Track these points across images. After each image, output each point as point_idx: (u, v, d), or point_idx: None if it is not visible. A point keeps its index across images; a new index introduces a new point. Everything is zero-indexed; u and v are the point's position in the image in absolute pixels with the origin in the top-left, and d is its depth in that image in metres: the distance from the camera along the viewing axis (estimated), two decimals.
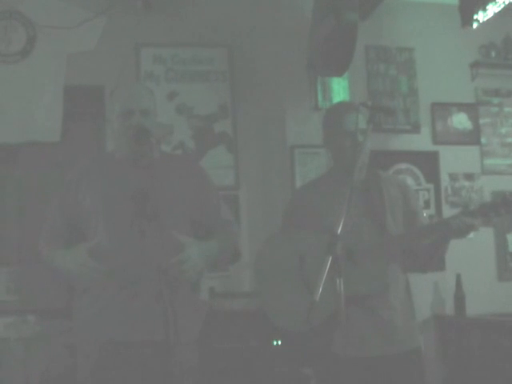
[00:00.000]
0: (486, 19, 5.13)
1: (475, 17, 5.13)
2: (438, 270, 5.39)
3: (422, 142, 5.89)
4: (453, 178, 5.89)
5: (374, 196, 3.42)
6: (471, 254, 5.64)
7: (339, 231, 2.70)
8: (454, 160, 5.91)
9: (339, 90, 5.44)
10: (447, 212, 5.71)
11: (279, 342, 4.63)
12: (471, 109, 6.05)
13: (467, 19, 5.17)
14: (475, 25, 5.17)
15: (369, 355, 3.27)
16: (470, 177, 5.91)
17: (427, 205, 5.80)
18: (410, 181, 5.70)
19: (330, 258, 2.61)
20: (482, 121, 6.06)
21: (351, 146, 3.39)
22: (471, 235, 5.04)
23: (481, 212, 3.19)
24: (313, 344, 3.43)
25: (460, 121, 6.00)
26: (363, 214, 3.36)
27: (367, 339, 3.28)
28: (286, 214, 3.71)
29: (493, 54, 6.06)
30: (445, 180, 5.88)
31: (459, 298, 5.49)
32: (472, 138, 6.02)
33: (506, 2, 5.00)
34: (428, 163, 5.86)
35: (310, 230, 3.39)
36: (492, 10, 5.07)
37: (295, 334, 3.45)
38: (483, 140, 6.04)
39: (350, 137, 3.40)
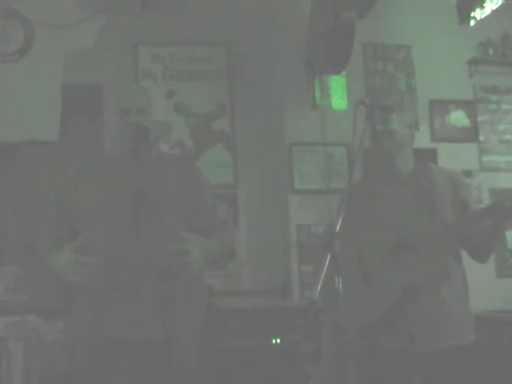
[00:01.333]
0: (483, 16, 5.13)
1: (473, 14, 5.14)
2: None
3: (420, 139, 5.85)
4: None
5: (424, 186, 3.39)
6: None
7: (337, 229, 2.71)
8: (453, 157, 5.91)
9: (337, 87, 5.45)
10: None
11: (278, 341, 4.63)
12: (469, 106, 6.04)
13: (465, 16, 5.17)
14: (473, 22, 5.17)
15: (416, 349, 3.22)
16: (468, 174, 5.90)
17: None
18: None
19: (329, 256, 2.61)
20: (480, 118, 6.05)
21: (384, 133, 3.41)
22: None
23: None
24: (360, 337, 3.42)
25: (458, 118, 6.00)
26: (415, 204, 3.33)
27: (416, 333, 3.22)
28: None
29: (490, 51, 6.06)
30: None
31: None
32: (470, 135, 6.02)
33: None
34: (426, 160, 5.83)
35: (367, 223, 3.38)
36: (489, 7, 5.07)
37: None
38: (481, 137, 6.03)
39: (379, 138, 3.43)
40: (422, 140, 5.88)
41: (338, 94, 5.36)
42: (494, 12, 5.12)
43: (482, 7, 5.08)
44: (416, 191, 3.38)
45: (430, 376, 3.25)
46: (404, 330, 3.20)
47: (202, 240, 3.14)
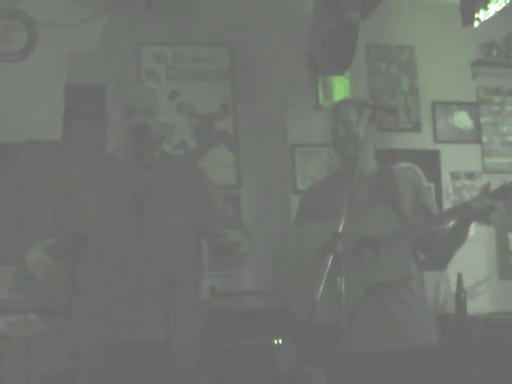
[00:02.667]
0: (487, 18, 5.12)
1: (476, 15, 5.12)
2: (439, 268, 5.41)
3: (423, 140, 5.89)
4: (454, 176, 5.88)
5: (388, 185, 3.40)
6: (472, 252, 5.63)
7: (340, 230, 2.71)
8: (455, 159, 5.91)
9: (340, 88, 5.44)
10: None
11: (280, 341, 4.63)
12: (472, 107, 6.04)
13: (468, 18, 5.16)
14: (476, 23, 5.16)
15: (374, 350, 3.22)
16: (471, 176, 5.91)
17: None
18: None
19: (331, 257, 2.61)
20: (483, 119, 6.05)
21: (346, 138, 3.40)
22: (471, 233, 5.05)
23: (501, 192, 3.20)
24: (323, 340, 3.41)
25: (461, 119, 6.00)
26: (380, 202, 3.33)
27: (373, 333, 3.23)
28: (300, 210, 3.71)
29: (494, 52, 6.06)
30: (446, 179, 5.88)
31: (460, 297, 5.49)
32: (473, 136, 6.01)
33: (508, 1, 4.99)
34: (429, 162, 5.85)
35: (329, 223, 3.37)
36: (493, 8, 5.06)
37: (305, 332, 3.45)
38: (484, 139, 6.03)
39: (343, 127, 3.43)
40: (425, 141, 5.88)
41: (341, 94, 5.35)
42: (497, 13, 5.10)
43: (485, 8, 5.06)
44: (380, 191, 3.39)
45: (392, 377, 3.23)
46: (364, 330, 3.21)
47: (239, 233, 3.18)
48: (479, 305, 5.51)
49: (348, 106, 3.49)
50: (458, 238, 3.36)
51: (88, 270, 3.14)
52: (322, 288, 2.55)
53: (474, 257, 5.67)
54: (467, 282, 5.53)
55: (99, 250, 3.08)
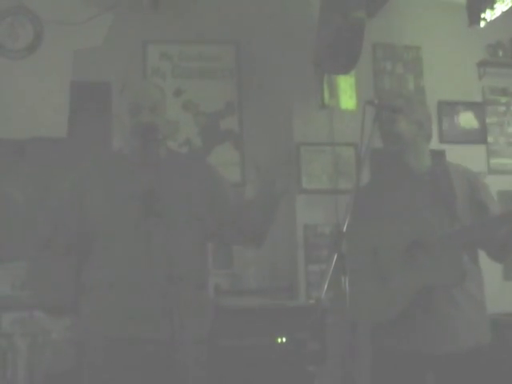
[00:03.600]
0: (493, 18, 5.12)
1: (483, 15, 5.12)
2: None
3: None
4: None
5: (442, 185, 3.35)
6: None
7: (344, 229, 2.70)
8: (461, 159, 5.84)
9: (346, 87, 5.44)
10: None
11: (284, 340, 4.63)
12: (478, 108, 6.03)
13: (475, 18, 5.16)
14: (483, 23, 5.16)
15: (429, 352, 3.20)
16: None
17: None
18: None
19: (336, 256, 2.61)
20: (488, 120, 6.04)
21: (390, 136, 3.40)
22: None
23: None
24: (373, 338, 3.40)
25: (467, 120, 5.99)
26: (432, 203, 3.28)
27: (425, 335, 3.20)
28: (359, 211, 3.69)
29: (500, 53, 6.05)
30: None
31: None
32: (479, 137, 6.00)
33: None
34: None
35: (383, 222, 3.35)
36: (500, 8, 5.05)
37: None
38: (490, 139, 6.02)
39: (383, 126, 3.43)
40: (430, 141, 5.87)
41: (346, 93, 5.36)
42: (504, 13, 5.10)
43: (492, 8, 5.06)
44: (434, 190, 3.33)
45: (443, 379, 3.23)
46: (417, 332, 3.18)
47: None
48: None
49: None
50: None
51: (94, 269, 3.14)
52: (326, 287, 2.54)
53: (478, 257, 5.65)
54: None
55: (105, 248, 3.08)
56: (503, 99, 6.11)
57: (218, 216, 3.25)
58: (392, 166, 3.55)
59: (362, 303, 3.22)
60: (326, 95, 5.38)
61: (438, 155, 3.57)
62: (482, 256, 5.56)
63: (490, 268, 5.79)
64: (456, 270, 3.17)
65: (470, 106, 6.01)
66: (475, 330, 3.27)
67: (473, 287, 3.31)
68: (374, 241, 3.30)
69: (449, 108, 5.96)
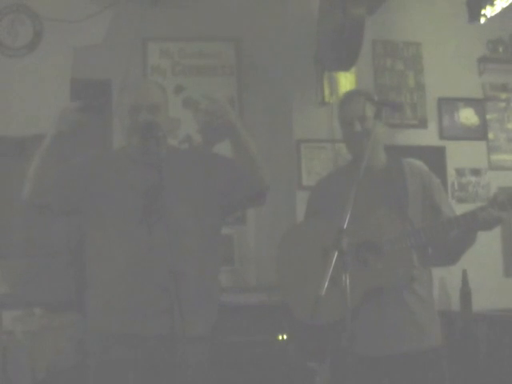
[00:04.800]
0: (493, 14, 5.11)
1: (483, 12, 5.12)
2: (444, 265, 5.42)
3: (428, 137, 5.87)
4: (459, 173, 5.87)
5: (395, 185, 3.33)
6: (477, 249, 5.58)
7: (345, 226, 2.70)
8: (461, 155, 5.89)
9: (346, 84, 5.44)
10: (454, 207, 5.70)
11: (285, 337, 4.63)
12: (478, 104, 6.03)
13: (475, 14, 5.16)
14: (483, 20, 5.15)
15: (374, 354, 3.21)
16: (476, 172, 5.90)
17: None
18: None
19: (336, 253, 2.61)
20: (489, 116, 6.04)
21: (362, 134, 3.30)
22: None
23: (510, 203, 3.08)
24: (327, 339, 3.40)
25: (467, 116, 5.99)
26: (384, 203, 3.27)
27: (373, 337, 3.20)
28: (308, 204, 3.68)
29: (500, 49, 6.04)
30: (451, 175, 5.86)
31: (465, 294, 5.48)
32: (479, 133, 6.00)
33: None
34: (435, 158, 5.82)
35: (334, 221, 3.34)
36: (500, 4, 5.05)
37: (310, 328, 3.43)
38: (490, 135, 6.02)
39: (349, 125, 3.37)
40: (431, 138, 5.87)
41: (346, 90, 5.35)
42: (504, 10, 5.10)
43: (492, 5, 5.06)
44: (387, 189, 3.32)
45: (396, 381, 3.22)
46: (365, 334, 3.16)
47: None
48: (484, 302, 5.49)
49: (361, 99, 3.36)
50: (465, 240, 3.33)
51: (96, 266, 3.14)
52: (326, 284, 2.55)
53: (479, 254, 5.64)
54: (472, 279, 5.51)
55: (108, 245, 3.09)
56: (503, 95, 6.10)
57: (225, 185, 3.25)
58: (351, 161, 3.54)
59: (308, 303, 3.20)
60: (326, 92, 5.38)
61: (393, 152, 3.53)
62: (481, 253, 5.59)
63: (491, 265, 5.84)
64: (404, 270, 3.19)
65: (470, 102, 6.01)
66: (424, 331, 3.27)
67: (420, 287, 3.30)
68: (325, 240, 3.22)
69: (449, 104, 5.95)
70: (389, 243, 3.19)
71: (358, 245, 3.20)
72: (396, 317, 3.21)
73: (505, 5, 5.04)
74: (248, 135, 3.29)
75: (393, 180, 3.36)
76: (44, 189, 3.16)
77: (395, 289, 3.21)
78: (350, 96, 3.52)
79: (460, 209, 5.72)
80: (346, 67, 5.18)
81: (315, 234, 3.40)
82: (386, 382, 3.25)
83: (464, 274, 5.50)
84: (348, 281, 2.65)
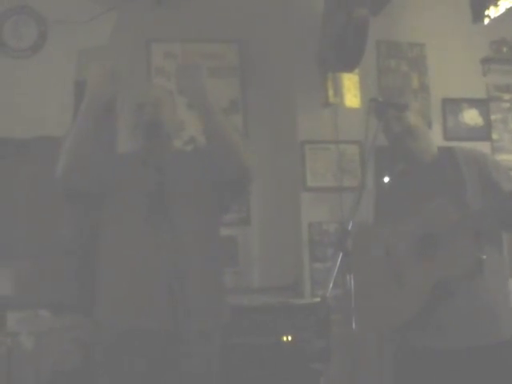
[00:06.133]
0: (497, 15, 5.11)
1: (487, 12, 5.12)
2: None
3: (433, 137, 5.86)
4: None
5: (449, 173, 3.29)
6: None
7: (350, 227, 2.70)
8: None
9: (350, 85, 5.44)
10: None
11: (289, 338, 4.63)
12: (482, 105, 6.02)
13: (479, 15, 5.16)
14: (486, 20, 5.16)
15: (451, 347, 3.14)
16: None
17: None
18: None
19: (341, 254, 2.61)
20: (493, 117, 6.03)
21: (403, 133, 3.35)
22: None
23: None
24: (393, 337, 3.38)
25: (471, 117, 5.98)
26: (442, 192, 3.20)
27: (445, 331, 3.14)
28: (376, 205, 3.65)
29: (504, 49, 6.03)
30: None
31: None
32: (483, 133, 5.99)
33: None
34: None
35: (393, 218, 3.32)
36: (504, 5, 5.05)
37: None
38: (494, 136, 6.01)
39: (396, 122, 3.38)
40: (435, 139, 5.85)
41: (351, 91, 5.35)
42: (508, 10, 5.10)
43: (496, 5, 5.06)
44: (441, 178, 3.27)
45: (466, 374, 3.13)
46: (437, 327, 3.12)
47: None
48: None
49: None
50: None
51: (104, 264, 3.19)
52: (331, 285, 2.55)
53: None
54: None
55: (114, 245, 3.13)
56: (507, 96, 6.09)
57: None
58: (400, 160, 3.53)
59: (381, 304, 3.19)
60: (331, 93, 5.37)
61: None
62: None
63: None
64: (470, 260, 3.05)
65: (475, 103, 6.00)
66: (499, 322, 3.17)
67: (494, 277, 3.21)
68: (386, 238, 3.26)
69: (453, 105, 5.95)
70: (450, 232, 3.09)
71: (419, 239, 3.16)
72: (465, 309, 3.13)
73: (508, 5, 5.04)
74: (224, 118, 3.25)
75: (446, 169, 3.31)
76: (83, 166, 3.11)
77: (462, 280, 3.09)
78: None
79: None
80: (349, 68, 5.18)
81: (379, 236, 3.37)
82: (457, 377, 3.15)
83: None
84: (353, 282, 2.65)
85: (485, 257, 3.05)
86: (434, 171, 3.32)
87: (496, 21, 5.19)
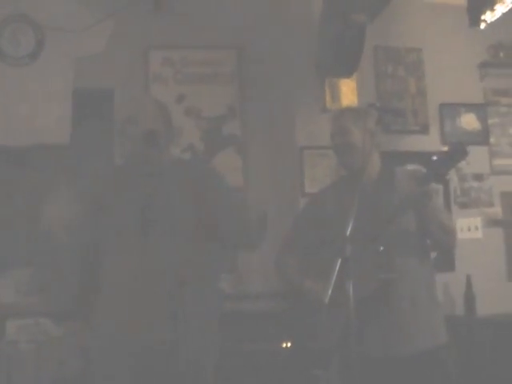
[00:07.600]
0: (494, 19, 5.12)
1: (483, 17, 5.12)
2: (448, 270, 5.44)
3: (430, 142, 5.87)
4: (462, 178, 5.87)
5: (384, 197, 3.31)
6: (481, 254, 5.63)
7: (348, 233, 2.71)
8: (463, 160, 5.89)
9: (347, 90, 5.44)
10: (457, 213, 5.72)
11: (289, 344, 4.63)
12: (480, 109, 6.03)
13: (475, 19, 5.17)
14: (483, 25, 5.16)
15: (383, 355, 3.21)
16: (478, 177, 5.90)
17: None
18: None
19: (340, 261, 2.62)
20: (490, 121, 6.04)
21: (342, 146, 3.40)
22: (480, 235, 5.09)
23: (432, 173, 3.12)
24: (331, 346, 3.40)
25: (469, 121, 5.99)
26: (372, 218, 3.20)
27: (382, 338, 3.21)
28: (300, 217, 3.71)
29: (501, 54, 6.05)
30: (454, 181, 5.86)
31: (469, 299, 5.48)
32: (481, 138, 6.00)
33: None
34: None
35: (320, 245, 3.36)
36: (500, 10, 5.06)
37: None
38: (492, 140, 6.02)
39: (339, 135, 3.44)
40: (433, 143, 5.87)
41: (348, 97, 5.35)
42: (504, 15, 5.10)
43: (492, 10, 5.07)
44: (370, 198, 3.26)
45: (408, 381, 3.20)
46: (374, 334, 3.19)
47: None
48: (488, 306, 5.49)
49: (346, 113, 3.47)
50: (426, 219, 3.26)
51: (104, 274, 3.20)
52: (330, 292, 2.56)
53: (482, 258, 5.66)
54: (476, 284, 5.51)
55: (112, 255, 3.14)
56: (505, 100, 6.10)
57: (213, 212, 3.23)
58: (343, 174, 3.57)
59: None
60: (328, 99, 5.38)
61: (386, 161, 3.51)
62: (485, 258, 5.58)
63: (494, 270, 5.83)
64: (374, 281, 3.13)
65: (472, 107, 6.01)
66: (432, 329, 3.27)
67: (416, 287, 3.28)
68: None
69: (450, 110, 5.96)
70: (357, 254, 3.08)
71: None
72: (404, 316, 3.21)
73: (505, 10, 5.04)
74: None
75: (381, 192, 3.35)
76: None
77: (402, 287, 3.19)
78: (337, 110, 3.56)
79: (462, 214, 5.77)
80: (347, 74, 5.18)
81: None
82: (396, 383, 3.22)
83: (468, 279, 5.50)
84: (352, 287, 2.66)
85: (394, 275, 3.14)
86: (366, 190, 3.24)
87: (492, 25, 5.19)
